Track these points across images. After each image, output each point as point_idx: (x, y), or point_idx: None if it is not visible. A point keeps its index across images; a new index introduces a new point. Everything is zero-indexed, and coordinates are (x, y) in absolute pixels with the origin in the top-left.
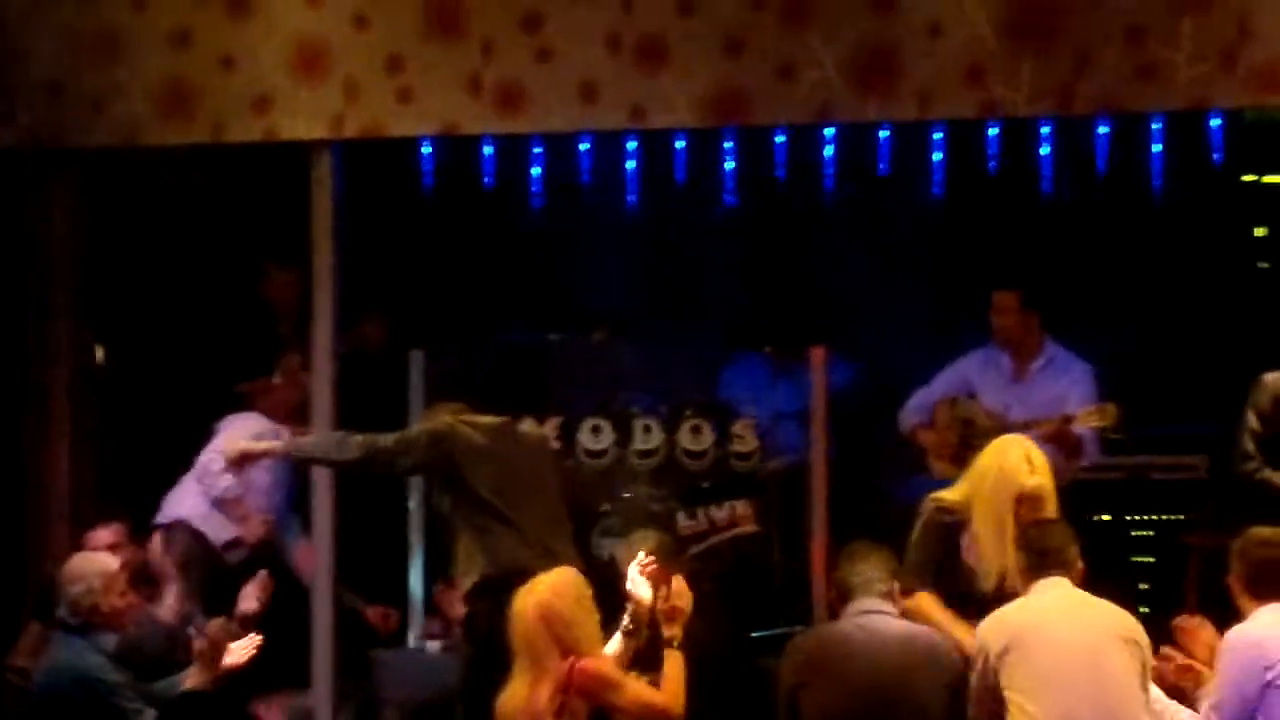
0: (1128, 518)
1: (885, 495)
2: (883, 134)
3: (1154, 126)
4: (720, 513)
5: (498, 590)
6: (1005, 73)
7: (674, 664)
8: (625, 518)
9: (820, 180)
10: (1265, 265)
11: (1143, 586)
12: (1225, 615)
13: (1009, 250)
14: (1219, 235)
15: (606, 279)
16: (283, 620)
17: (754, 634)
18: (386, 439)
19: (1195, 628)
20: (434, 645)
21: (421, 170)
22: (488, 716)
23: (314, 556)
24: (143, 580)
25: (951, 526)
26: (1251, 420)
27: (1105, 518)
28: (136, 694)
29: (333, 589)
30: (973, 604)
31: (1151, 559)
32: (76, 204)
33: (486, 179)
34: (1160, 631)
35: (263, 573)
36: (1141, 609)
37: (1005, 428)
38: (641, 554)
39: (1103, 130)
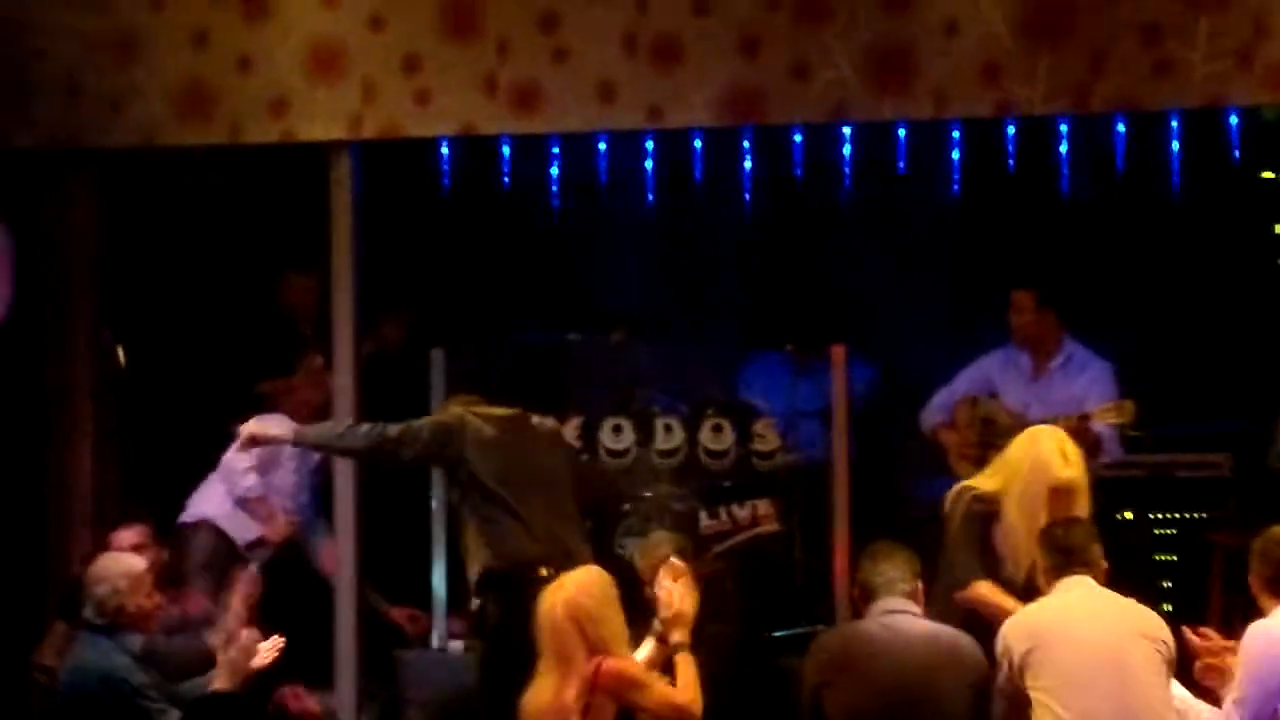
0: (1151, 516)
1: (907, 495)
2: (900, 133)
3: (1172, 124)
4: (742, 512)
5: (503, 583)
6: (1021, 71)
7: (686, 666)
8: (646, 517)
9: (838, 179)
10: None
11: (1166, 585)
12: (1248, 613)
13: (1027, 249)
14: (1238, 233)
15: (625, 279)
16: (308, 620)
17: (776, 633)
18: (392, 429)
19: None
20: (457, 645)
21: (440, 171)
22: (499, 712)
23: None
24: (167, 581)
25: (988, 516)
26: None
27: (1128, 516)
28: (161, 695)
29: (357, 589)
30: (1012, 590)
31: (1174, 557)
32: (95, 205)
33: (504, 179)
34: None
35: (251, 569)
36: (1164, 607)
37: (1025, 426)
38: (674, 559)
39: (1121, 128)
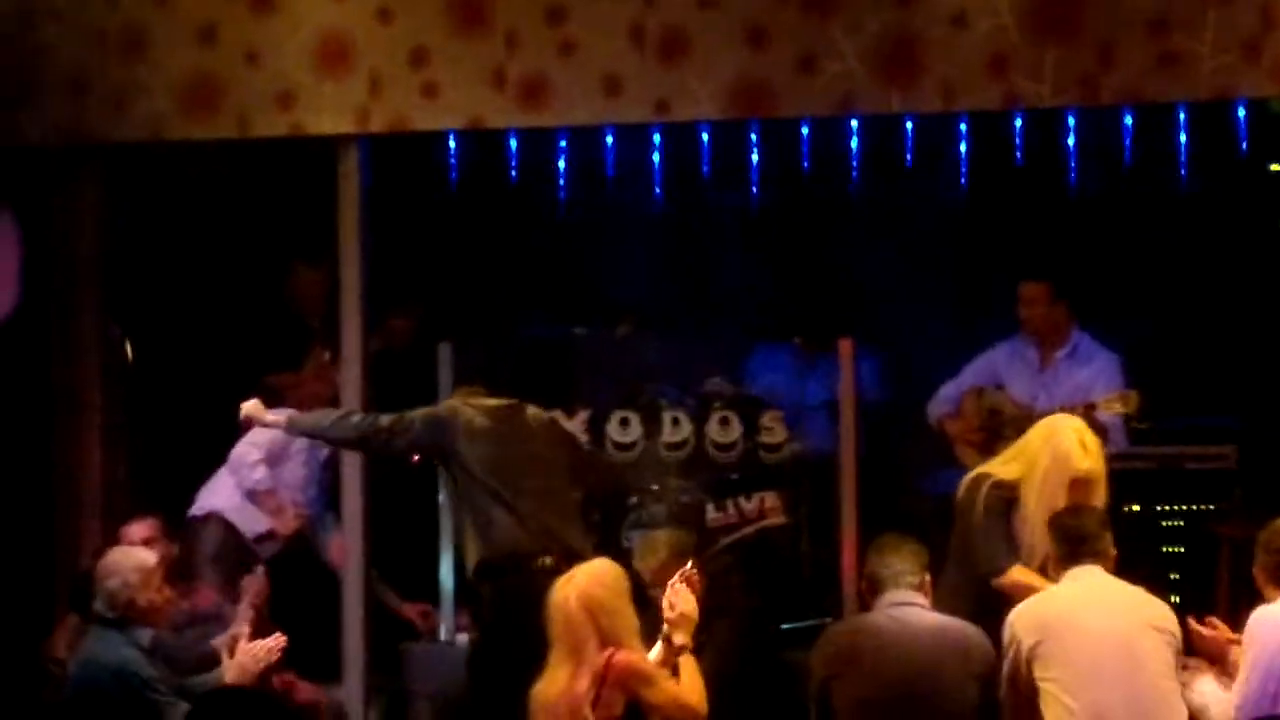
0: (1158, 508)
1: (914, 488)
2: (908, 126)
3: (1180, 117)
4: (749, 504)
5: (497, 573)
6: (1029, 64)
7: (690, 667)
8: (653, 509)
9: (846, 172)
10: None
11: (1173, 576)
12: (1255, 605)
13: (1035, 241)
14: (1246, 225)
15: (632, 272)
16: (317, 614)
17: (783, 626)
18: (384, 419)
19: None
20: (464, 638)
21: (447, 164)
22: (496, 704)
23: None
24: (177, 575)
25: (1009, 502)
26: None
27: (1135, 508)
28: (171, 689)
29: (365, 582)
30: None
31: (1182, 549)
32: (102, 199)
33: (512, 172)
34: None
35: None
36: (1172, 598)
37: (1032, 417)
38: (689, 566)
39: (1128, 121)
